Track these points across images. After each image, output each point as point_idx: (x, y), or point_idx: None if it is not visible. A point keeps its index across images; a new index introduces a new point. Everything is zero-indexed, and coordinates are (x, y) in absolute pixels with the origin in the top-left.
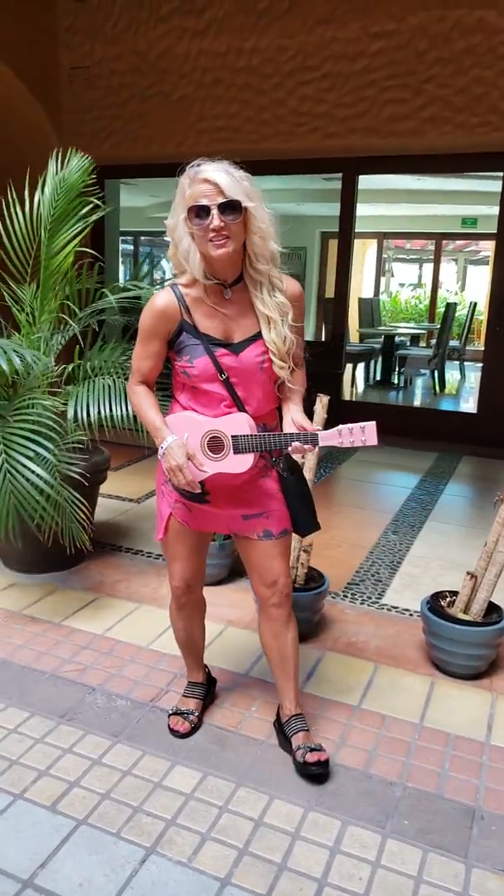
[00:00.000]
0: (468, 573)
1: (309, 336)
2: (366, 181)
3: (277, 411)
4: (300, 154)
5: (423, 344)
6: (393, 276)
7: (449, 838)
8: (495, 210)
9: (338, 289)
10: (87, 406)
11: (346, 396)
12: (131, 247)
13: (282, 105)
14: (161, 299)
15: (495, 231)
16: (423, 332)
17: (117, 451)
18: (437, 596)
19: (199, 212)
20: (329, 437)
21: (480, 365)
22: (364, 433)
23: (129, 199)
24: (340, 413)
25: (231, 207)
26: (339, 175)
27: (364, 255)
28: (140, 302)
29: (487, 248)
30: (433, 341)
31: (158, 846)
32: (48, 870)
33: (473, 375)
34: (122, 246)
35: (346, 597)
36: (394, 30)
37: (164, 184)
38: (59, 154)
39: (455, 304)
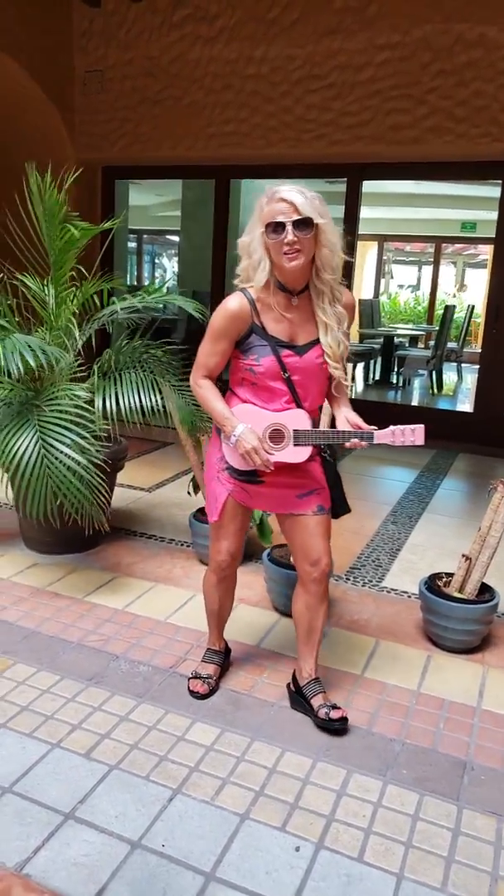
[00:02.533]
0: (463, 555)
1: None
2: (368, 185)
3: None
4: (306, 159)
5: (421, 345)
6: (392, 277)
7: (443, 785)
8: (494, 215)
9: None
10: (116, 397)
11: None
12: (135, 245)
13: (289, 112)
14: (235, 303)
15: (493, 235)
16: (421, 333)
17: (129, 444)
18: (434, 577)
19: (276, 227)
20: (383, 437)
21: (477, 366)
22: (414, 434)
23: (134, 198)
24: None
25: (304, 224)
26: (343, 179)
27: (364, 256)
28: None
29: (486, 251)
30: (432, 342)
31: (184, 787)
32: (86, 805)
33: (470, 377)
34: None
35: (349, 580)
36: (398, 42)
37: (170, 184)
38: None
39: (453, 306)
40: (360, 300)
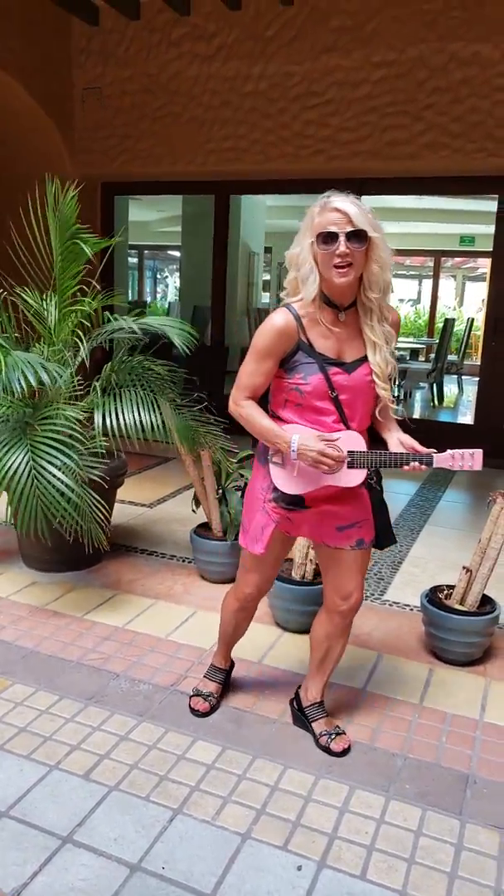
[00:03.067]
0: (464, 567)
1: None
2: (367, 200)
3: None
4: (304, 174)
5: (422, 358)
6: (393, 291)
7: (445, 799)
8: (492, 229)
9: None
10: (116, 414)
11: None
12: (136, 259)
13: (287, 128)
14: (280, 319)
15: (491, 249)
16: (422, 346)
17: (130, 459)
18: (436, 589)
19: (327, 238)
20: (442, 461)
21: (477, 379)
22: (473, 459)
23: (135, 214)
24: None
25: (357, 236)
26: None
27: None
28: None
29: (485, 265)
30: (432, 355)
31: (185, 807)
32: (85, 827)
33: (470, 389)
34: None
35: None
36: (394, 59)
37: (170, 199)
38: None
39: (453, 319)
40: None
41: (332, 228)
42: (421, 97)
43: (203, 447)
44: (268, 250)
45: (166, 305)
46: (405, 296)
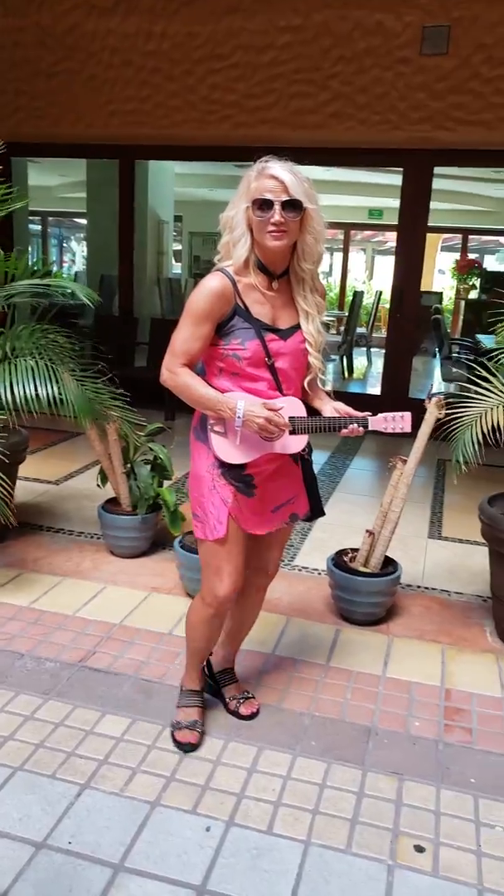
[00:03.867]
0: (367, 531)
1: None
2: None
3: None
4: (212, 141)
5: (332, 331)
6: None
7: (349, 752)
8: (399, 202)
9: None
10: (12, 387)
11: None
12: (39, 227)
13: (193, 92)
14: (216, 282)
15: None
16: (332, 319)
17: (34, 435)
18: (341, 553)
19: (263, 205)
20: (376, 423)
21: (384, 351)
22: (403, 421)
23: (36, 178)
24: None
25: (292, 206)
26: (250, 163)
27: None
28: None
29: (393, 238)
30: (343, 328)
31: (92, 782)
32: None
33: (379, 361)
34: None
35: None
36: (299, 25)
37: (74, 164)
38: None
39: (362, 292)
40: None
41: (268, 196)
42: (326, 65)
43: (108, 420)
44: (178, 219)
45: (73, 274)
46: None
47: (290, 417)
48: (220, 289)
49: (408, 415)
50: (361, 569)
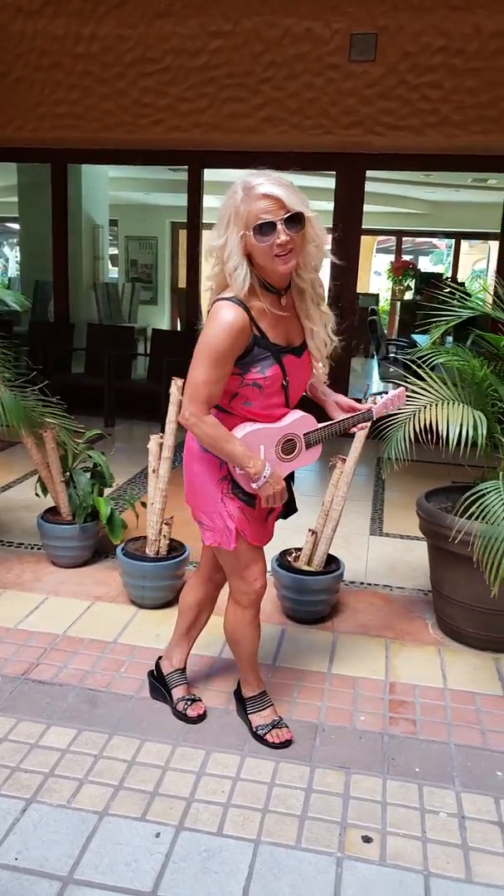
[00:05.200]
0: (310, 530)
1: (164, 325)
2: (212, 173)
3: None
4: (145, 145)
5: None
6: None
7: (297, 750)
8: (332, 206)
9: (189, 279)
10: None
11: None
12: None
13: (124, 95)
14: (234, 315)
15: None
16: None
17: None
18: (285, 553)
19: (264, 228)
20: (379, 411)
21: None
22: (399, 399)
23: None
24: None
25: (294, 220)
26: (184, 167)
27: None
28: None
29: (329, 241)
30: None
31: (38, 796)
32: None
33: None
34: None
35: None
36: (230, 30)
37: (3, 167)
38: None
39: None
40: None
41: (268, 217)
42: (258, 70)
43: (45, 428)
44: (114, 223)
45: (6, 280)
46: None
47: (304, 434)
48: (240, 323)
49: (400, 390)
50: (305, 567)
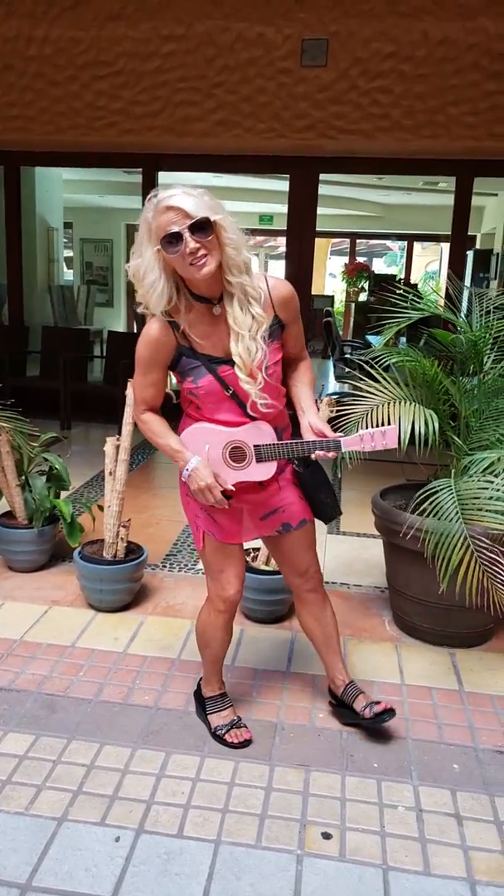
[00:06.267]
0: None
1: (120, 327)
2: (166, 176)
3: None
4: (99, 148)
5: None
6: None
7: (256, 749)
8: (286, 208)
9: None
10: None
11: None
12: None
13: (78, 98)
14: (154, 329)
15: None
16: None
17: None
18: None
19: (172, 239)
20: (352, 443)
21: None
22: (385, 437)
23: None
24: None
25: (200, 227)
26: (138, 170)
27: None
28: None
29: (283, 243)
30: None
31: None
32: None
33: None
34: None
35: (165, 567)
36: (182, 34)
37: None
38: None
39: None
40: None
41: (173, 228)
42: (211, 74)
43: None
44: (68, 226)
45: None
46: None
47: (254, 446)
48: (156, 335)
49: (392, 428)
50: (263, 567)
